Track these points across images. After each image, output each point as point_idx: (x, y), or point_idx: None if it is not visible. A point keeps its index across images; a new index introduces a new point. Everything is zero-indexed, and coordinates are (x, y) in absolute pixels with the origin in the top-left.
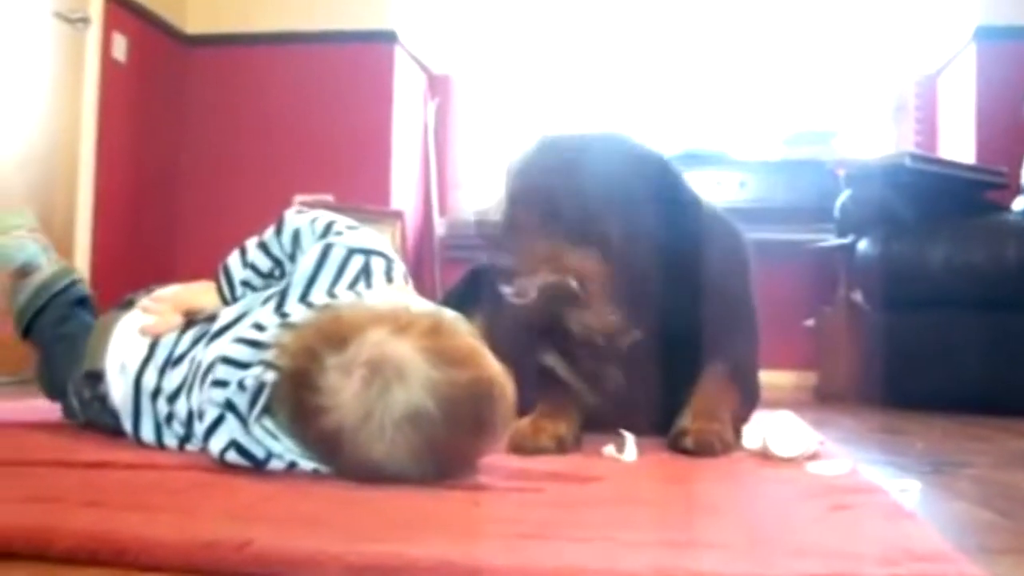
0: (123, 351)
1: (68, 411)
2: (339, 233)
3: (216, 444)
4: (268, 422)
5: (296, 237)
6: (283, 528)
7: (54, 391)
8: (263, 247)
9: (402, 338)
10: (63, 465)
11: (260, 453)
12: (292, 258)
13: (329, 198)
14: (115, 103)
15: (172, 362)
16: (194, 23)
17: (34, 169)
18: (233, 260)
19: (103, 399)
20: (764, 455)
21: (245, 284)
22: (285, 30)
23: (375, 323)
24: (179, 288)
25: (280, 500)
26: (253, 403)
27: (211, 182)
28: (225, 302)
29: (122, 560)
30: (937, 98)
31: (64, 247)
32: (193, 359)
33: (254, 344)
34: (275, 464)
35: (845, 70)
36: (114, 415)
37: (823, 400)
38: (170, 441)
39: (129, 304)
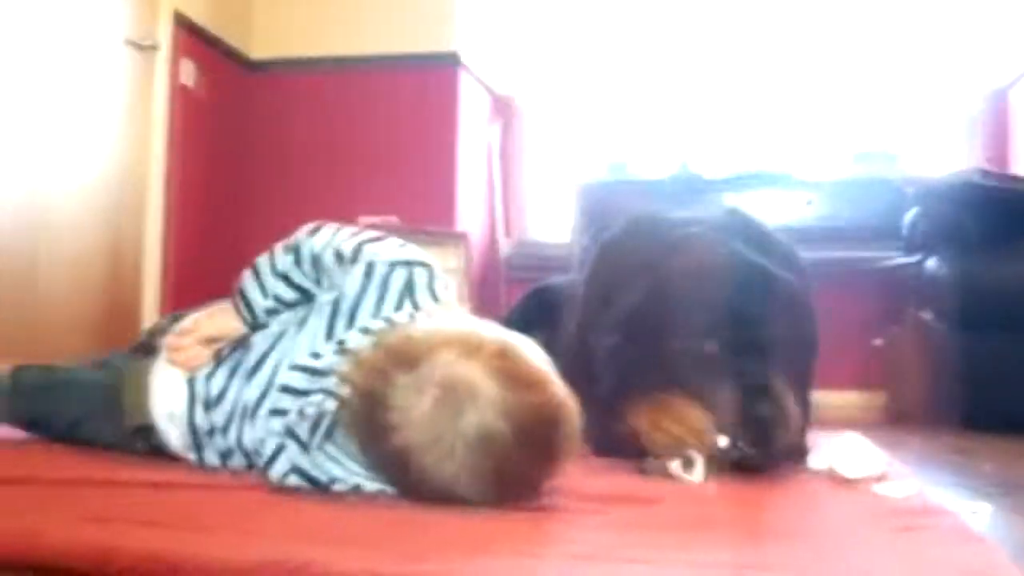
0: (166, 400)
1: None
2: (373, 249)
3: (277, 471)
4: (330, 447)
5: (317, 262)
6: (342, 550)
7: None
8: (284, 277)
9: (473, 359)
10: (121, 485)
11: (322, 477)
12: (318, 283)
13: (394, 219)
14: (184, 129)
15: (215, 400)
16: (259, 49)
17: (104, 196)
18: (250, 286)
19: (160, 448)
20: (831, 476)
21: (268, 312)
22: (349, 54)
23: (446, 344)
24: (199, 316)
25: (341, 521)
26: (314, 430)
27: (278, 206)
28: (250, 328)
29: None
30: (1009, 112)
31: (133, 273)
32: (237, 394)
33: (312, 371)
34: (338, 488)
35: (913, 86)
36: (174, 455)
37: (893, 421)
38: (235, 465)
39: (149, 347)
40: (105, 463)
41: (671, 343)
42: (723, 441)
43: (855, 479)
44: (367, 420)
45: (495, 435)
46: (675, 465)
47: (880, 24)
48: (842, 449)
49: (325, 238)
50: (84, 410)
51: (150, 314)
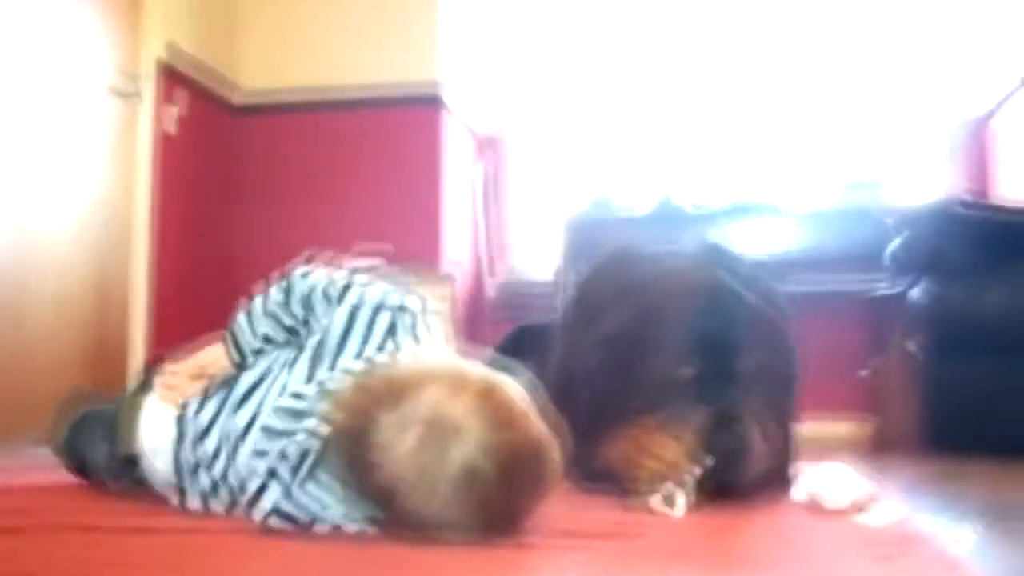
0: (154, 435)
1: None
2: (359, 293)
3: (259, 511)
4: (312, 487)
5: (307, 303)
6: None
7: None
8: (273, 316)
9: (457, 398)
10: (108, 531)
11: (303, 517)
12: (305, 323)
13: (378, 262)
14: (167, 171)
15: (200, 435)
16: (243, 91)
17: (90, 238)
18: (241, 327)
19: (142, 482)
20: (813, 506)
21: (256, 351)
22: (332, 96)
23: (429, 382)
24: (190, 360)
25: (325, 561)
26: (296, 470)
27: (263, 247)
28: (237, 366)
29: None
30: (988, 141)
31: (120, 318)
32: (222, 429)
33: (293, 413)
34: (319, 528)
35: (893, 116)
36: (156, 493)
37: (880, 449)
38: (217, 507)
39: (146, 384)
40: (88, 506)
41: (649, 366)
42: (698, 470)
43: (837, 508)
44: (350, 457)
45: (478, 473)
46: (655, 500)
47: (861, 54)
48: (824, 478)
49: (315, 279)
50: (91, 439)
51: (137, 353)
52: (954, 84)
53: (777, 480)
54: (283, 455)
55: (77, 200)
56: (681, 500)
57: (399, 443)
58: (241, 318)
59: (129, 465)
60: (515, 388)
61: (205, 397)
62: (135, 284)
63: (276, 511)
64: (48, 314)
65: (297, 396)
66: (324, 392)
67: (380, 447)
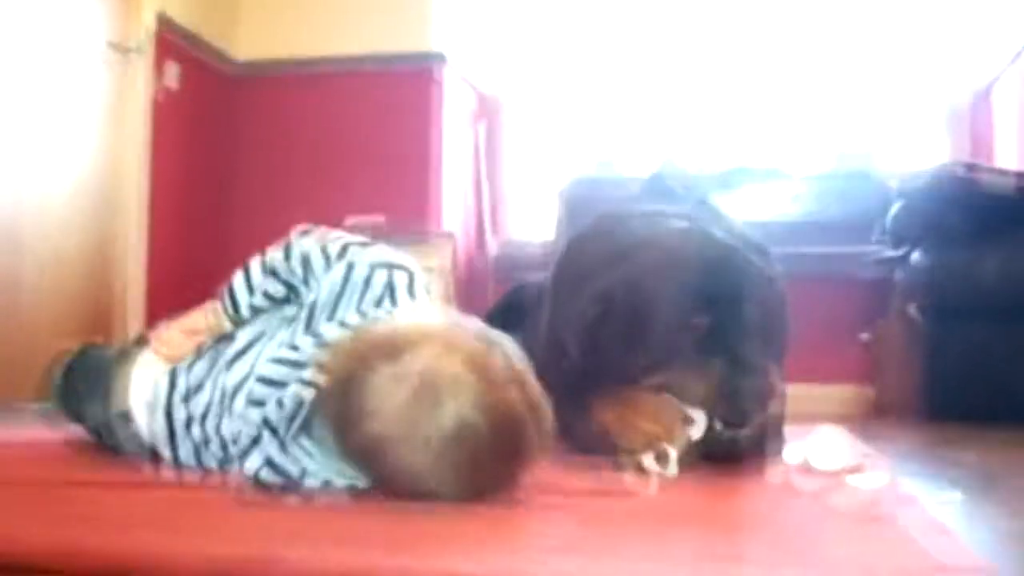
0: (146, 389)
1: (99, 438)
2: (357, 251)
3: (251, 464)
4: (305, 441)
5: (306, 262)
6: (315, 547)
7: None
8: (273, 273)
9: (454, 355)
10: (100, 486)
11: (294, 471)
12: (305, 282)
13: (380, 220)
14: (166, 130)
15: (194, 389)
16: (243, 51)
17: (86, 197)
18: (238, 283)
19: (138, 436)
20: (805, 468)
21: (254, 308)
22: (332, 55)
23: (428, 339)
24: (185, 318)
25: (314, 520)
26: (291, 420)
27: (262, 209)
28: (233, 324)
29: None
30: (992, 108)
31: (117, 275)
32: (215, 383)
33: (290, 363)
34: (309, 483)
35: (897, 82)
36: (151, 447)
37: (879, 414)
38: (210, 462)
39: (142, 341)
40: (84, 463)
41: (655, 319)
42: (699, 425)
43: (829, 471)
44: (344, 406)
45: (471, 428)
46: (648, 460)
47: (864, 21)
48: (817, 442)
49: (314, 239)
50: (86, 391)
51: (133, 314)
52: (954, 54)
53: (774, 431)
54: (279, 403)
55: (73, 159)
56: (673, 460)
57: (394, 393)
58: (239, 276)
59: (122, 421)
60: (513, 347)
61: (199, 354)
62: (131, 245)
63: (269, 463)
64: (45, 275)
65: (294, 348)
66: (321, 343)
67: (375, 396)
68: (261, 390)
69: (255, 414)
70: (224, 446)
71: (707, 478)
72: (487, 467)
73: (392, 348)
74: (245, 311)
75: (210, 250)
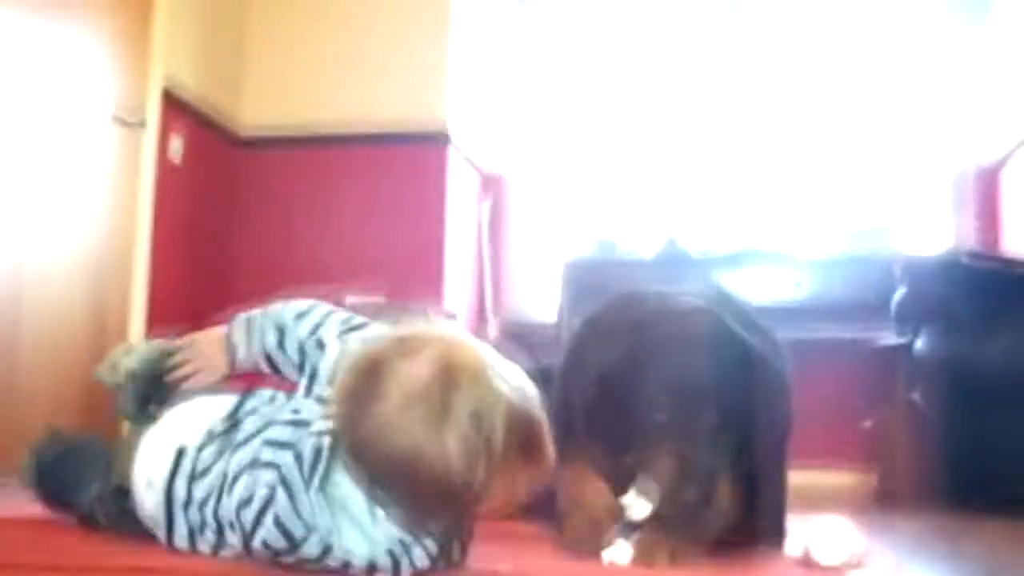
0: (149, 466)
1: (90, 519)
2: (352, 335)
3: (260, 529)
4: (320, 497)
5: (301, 350)
6: None
7: (59, 501)
8: (267, 358)
9: (469, 349)
10: (95, 571)
11: (299, 532)
12: (301, 367)
13: (381, 300)
14: (170, 203)
15: (199, 474)
16: (248, 124)
17: (87, 268)
18: (239, 337)
19: (132, 514)
20: (806, 561)
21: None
22: (338, 132)
23: (442, 338)
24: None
25: None
26: (313, 469)
27: (264, 281)
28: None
29: None
30: (998, 191)
31: (116, 345)
32: (221, 470)
33: (295, 424)
34: (309, 550)
35: (902, 164)
36: (144, 527)
37: (882, 503)
38: (203, 547)
39: (150, 418)
40: (76, 546)
41: (632, 407)
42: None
43: (830, 565)
44: (361, 392)
45: (487, 411)
46: (606, 552)
47: (870, 102)
48: (820, 532)
49: (311, 325)
50: (81, 470)
51: None
52: (963, 134)
53: (751, 532)
54: (298, 457)
55: (77, 231)
56: (625, 548)
57: (413, 376)
58: (239, 329)
59: (120, 495)
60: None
61: (210, 439)
62: (134, 317)
63: (276, 522)
64: (43, 350)
65: (296, 411)
66: (323, 402)
67: (391, 378)
68: (272, 453)
69: (270, 476)
70: (220, 530)
71: (707, 569)
72: (498, 457)
73: (406, 346)
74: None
75: (209, 323)
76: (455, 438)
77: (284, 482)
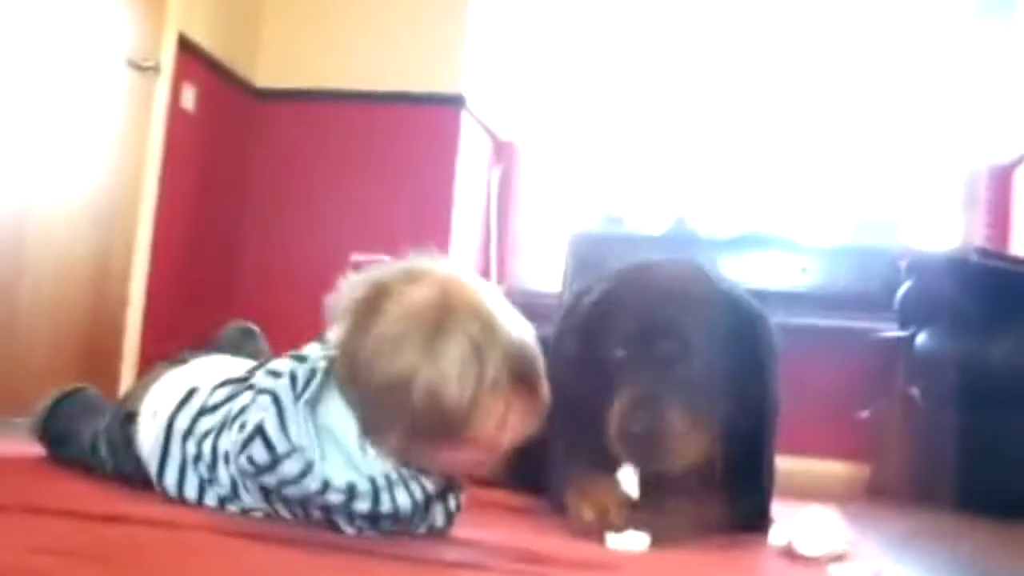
0: (161, 398)
1: (92, 453)
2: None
3: (248, 445)
4: (311, 416)
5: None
6: None
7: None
8: None
9: (471, 281)
10: (78, 516)
11: (282, 446)
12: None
13: (385, 260)
14: (180, 152)
15: (206, 410)
16: (264, 77)
17: (92, 211)
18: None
19: (130, 443)
20: (789, 552)
21: None
22: (355, 89)
23: (443, 269)
24: None
25: (288, 569)
26: (306, 386)
27: (271, 236)
28: None
29: None
30: (1011, 190)
31: (119, 291)
32: (228, 408)
33: (296, 358)
34: (290, 468)
35: (916, 158)
36: (138, 460)
37: (874, 495)
38: (190, 491)
39: (181, 360)
40: (65, 489)
41: (600, 350)
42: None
43: (813, 557)
44: (362, 311)
45: (486, 340)
46: (612, 539)
47: (887, 97)
48: (806, 523)
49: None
50: (86, 413)
51: (133, 333)
52: (978, 131)
53: (734, 507)
54: (293, 377)
55: (84, 175)
56: (637, 536)
57: (415, 293)
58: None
59: (127, 422)
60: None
61: (226, 381)
62: (136, 262)
63: (260, 432)
64: (45, 293)
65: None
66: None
67: (395, 297)
68: (268, 381)
69: (263, 399)
70: (213, 465)
71: (688, 555)
72: (494, 383)
73: (410, 275)
74: None
75: (216, 268)
76: (450, 359)
77: (276, 400)
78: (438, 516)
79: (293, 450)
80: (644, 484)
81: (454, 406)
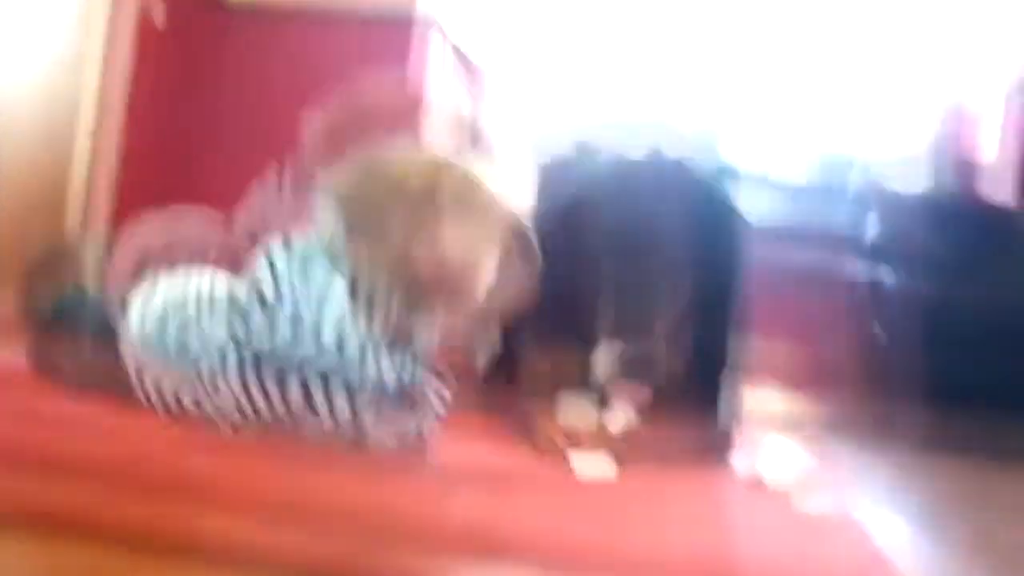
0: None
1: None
2: None
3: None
4: (301, 268)
5: None
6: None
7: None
8: None
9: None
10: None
11: (269, 292)
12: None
13: None
14: (148, 66)
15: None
16: None
17: (58, 123)
18: None
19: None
20: (752, 479)
21: None
22: (328, 7)
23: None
24: None
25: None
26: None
27: (237, 154)
28: None
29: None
30: (981, 134)
31: (81, 204)
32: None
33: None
34: (283, 323)
35: (886, 98)
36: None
37: (835, 428)
38: (164, 346)
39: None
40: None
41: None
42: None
43: (776, 484)
44: (360, 173)
45: (477, 199)
46: (581, 465)
47: (863, 34)
48: (770, 452)
49: None
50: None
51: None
52: (951, 74)
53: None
54: (286, 241)
55: (42, 86)
56: (604, 464)
57: (410, 162)
58: None
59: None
60: None
61: None
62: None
63: (252, 285)
64: None
65: None
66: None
67: (393, 165)
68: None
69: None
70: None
71: (651, 481)
72: (482, 240)
73: (409, 153)
74: None
75: (180, 189)
76: (443, 219)
77: (268, 258)
78: (423, 423)
79: (281, 299)
80: (620, 366)
81: (446, 265)
